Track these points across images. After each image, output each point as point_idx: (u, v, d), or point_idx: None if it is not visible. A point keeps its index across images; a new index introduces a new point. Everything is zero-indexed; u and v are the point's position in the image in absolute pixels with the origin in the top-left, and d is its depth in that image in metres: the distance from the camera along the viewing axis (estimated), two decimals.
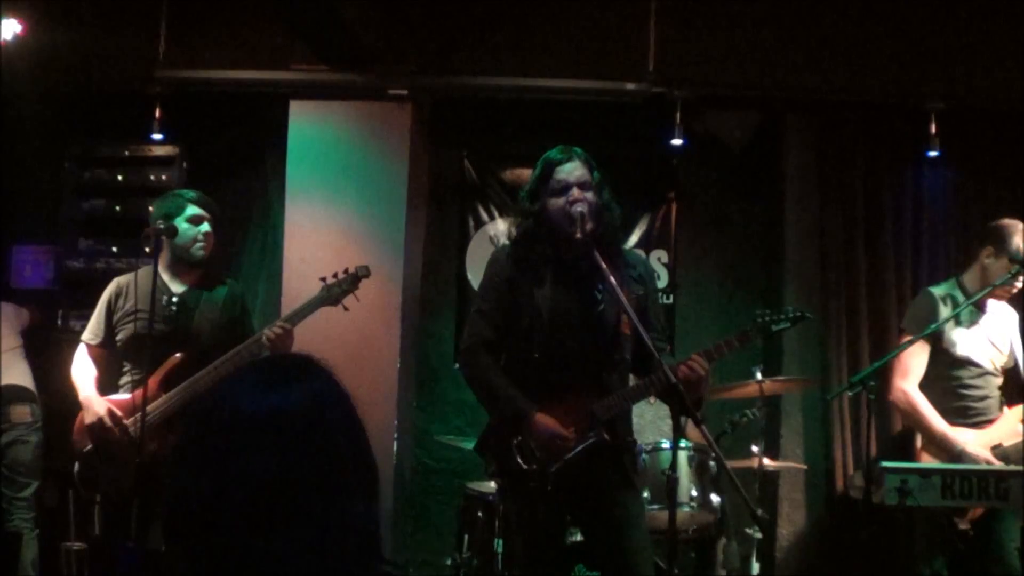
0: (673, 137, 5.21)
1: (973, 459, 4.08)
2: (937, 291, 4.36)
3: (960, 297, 4.29)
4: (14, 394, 4.90)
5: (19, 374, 4.96)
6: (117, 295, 4.10)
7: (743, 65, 5.21)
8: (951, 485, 3.69)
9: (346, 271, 3.94)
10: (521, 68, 5.25)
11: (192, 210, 4.03)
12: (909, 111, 5.26)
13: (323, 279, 3.93)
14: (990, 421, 4.24)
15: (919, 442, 4.23)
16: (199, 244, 4.02)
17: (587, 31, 5.25)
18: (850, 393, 4.41)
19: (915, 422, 4.21)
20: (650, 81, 5.17)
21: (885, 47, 5.16)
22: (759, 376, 4.60)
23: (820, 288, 5.40)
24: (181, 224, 4.01)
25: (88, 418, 3.98)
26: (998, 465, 4.07)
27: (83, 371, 4.10)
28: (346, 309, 3.93)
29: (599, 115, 5.46)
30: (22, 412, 4.88)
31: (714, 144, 5.71)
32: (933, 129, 5.14)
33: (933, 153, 5.18)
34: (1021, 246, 4.18)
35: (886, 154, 5.47)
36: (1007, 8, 5.04)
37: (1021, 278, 4.20)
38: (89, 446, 3.99)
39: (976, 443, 4.14)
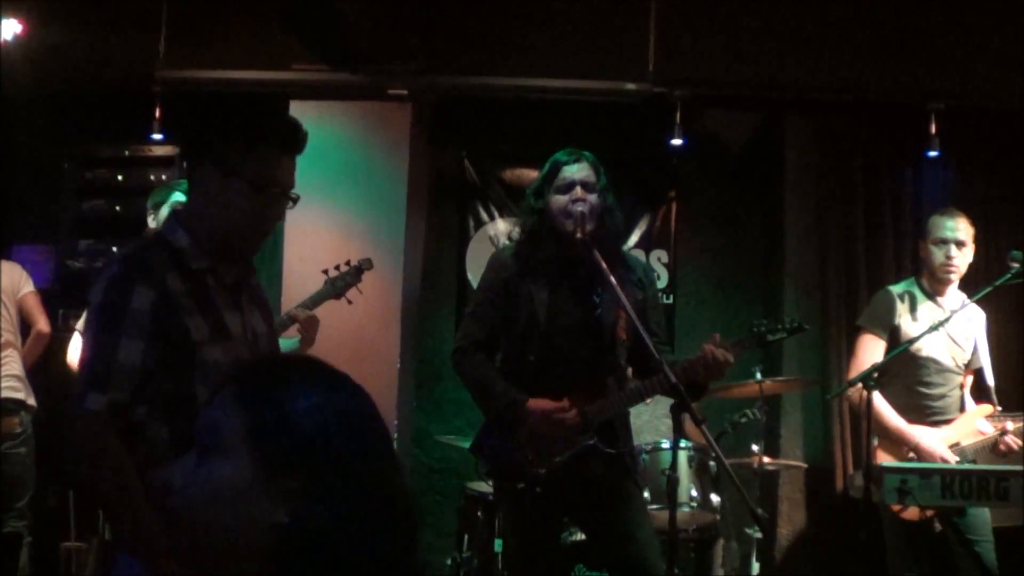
0: (673, 137, 5.20)
1: (928, 455, 4.10)
2: (895, 289, 4.44)
3: (918, 293, 4.36)
4: (3, 407, 4.82)
5: (6, 385, 4.85)
6: None
7: (743, 65, 5.21)
8: (951, 485, 3.70)
9: (348, 263, 3.96)
10: (521, 68, 5.25)
11: (178, 198, 4.05)
12: (909, 111, 5.26)
13: (325, 271, 3.95)
14: (948, 420, 4.25)
15: (875, 440, 4.24)
16: None
17: (587, 31, 5.24)
18: (848, 394, 4.41)
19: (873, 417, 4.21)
20: (650, 81, 5.17)
21: (885, 47, 5.16)
22: (759, 376, 4.60)
23: (820, 288, 5.40)
24: (165, 211, 4.02)
25: None
26: (953, 462, 4.08)
27: None
28: (349, 302, 3.95)
29: (599, 115, 5.46)
30: (10, 423, 4.81)
31: (714, 144, 5.71)
32: (933, 129, 5.13)
33: (933, 153, 5.18)
34: (936, 219, 4.30)
35: (886, 154, 5.46)
36: (1007, 8, 5.03)
37: (953, 249, 4.24)
38: None
39: (933, 440, 4.15)
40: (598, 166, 3.36)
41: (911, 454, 4.16)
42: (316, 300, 3.92)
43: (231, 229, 2.26)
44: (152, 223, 4.08)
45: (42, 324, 5.02)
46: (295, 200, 2.34)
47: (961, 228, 4.28)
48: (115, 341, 2.12)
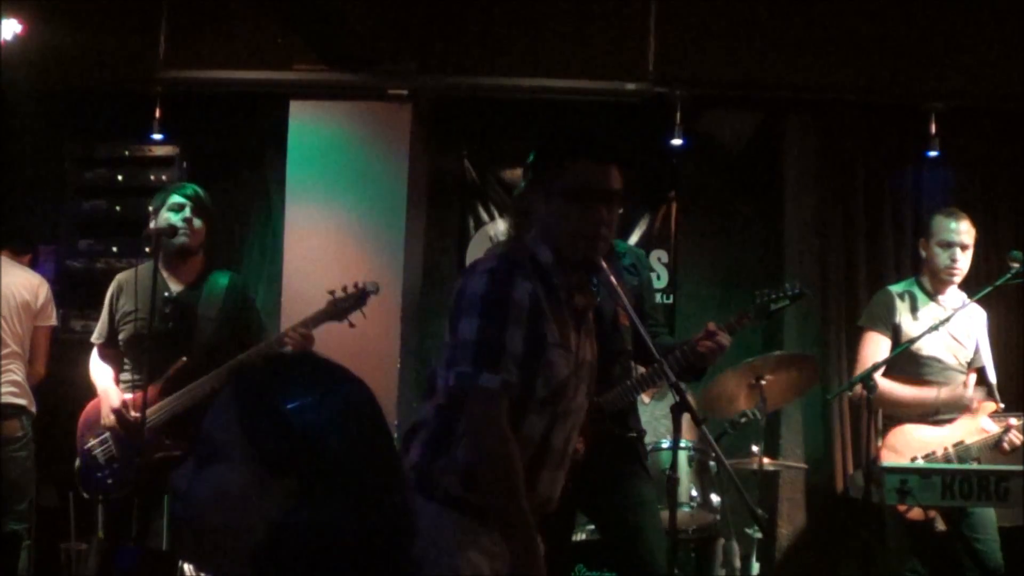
0: (673, 137, 5.20)
1: (957, 400, 4.13)
2: (895, 288, 4.45)
3: (918, 292, 4.37)
4: (4, 411, 4.81)
5: (7, 391, 4.85)
6: (117, 294, 4.10)
7: (743, 65, 5.21)
8: (951, 485, 3.69)
9: (356, 285, 3.88)
10: (521, 68, 5.25)
11: (175, 199, 4.04)
12: (909, 111, 5.26)
13: (331, 292, 3.87)
14: (951, 419, 4.24)
15: (880, 441, 4.24)
16: (179, 230, 4.00)
17: (587, 31, 5.24)
18: (850, 393, 4.41)
19: (887, 403, 4.20)
20: (650, 81, 5.17)
21: (885, 47, 5.16)
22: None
23: (820, 288, 5.40)
24: (164, 213, 4.02)
25: (103, 408, 3.95)
26: (975, 402, 4.14)
27: (100, 369, 4.10)
28: (352, 326, 3.89)
29: (599, 115, 5.45)
30: (11, 427, 4.80)
31: (714, 144, 5.70)
32: (933, 129, 5.14)
33: (933, 153, 5.18)
34: (941, 222, 4.30)
35: (886, 154, 5.46)
36: (1007, 8, 5.03)
37: (958, 252, 4.25)
38: (92, 442, 3.98)
39: (938, 440, 4.15)
40: None
41: (916, 454, 4.15)
42: (316, 320, 3.87)
43: (561, 242, 2.46)
44: (152, 224, 4.09)
45: (40, 365, 4.96)
46: (617, 202, 2.50)
47: (965, 230, 4.29)
48: (502, 327, 2.33)
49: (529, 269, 2.42)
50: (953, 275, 4.29)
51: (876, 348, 4.28)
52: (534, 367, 2.38)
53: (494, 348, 2.32)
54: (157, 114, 5.29)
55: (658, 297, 5.58)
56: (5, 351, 4.79)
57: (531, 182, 2.53)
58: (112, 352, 4.12)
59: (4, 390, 4.77)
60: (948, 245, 4.27)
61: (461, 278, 2.49)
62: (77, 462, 4.02)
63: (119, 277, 4.16)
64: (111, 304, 4.10)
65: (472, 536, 2.38)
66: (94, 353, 4.17)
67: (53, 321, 5.02)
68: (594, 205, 2.43)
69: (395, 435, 5.69)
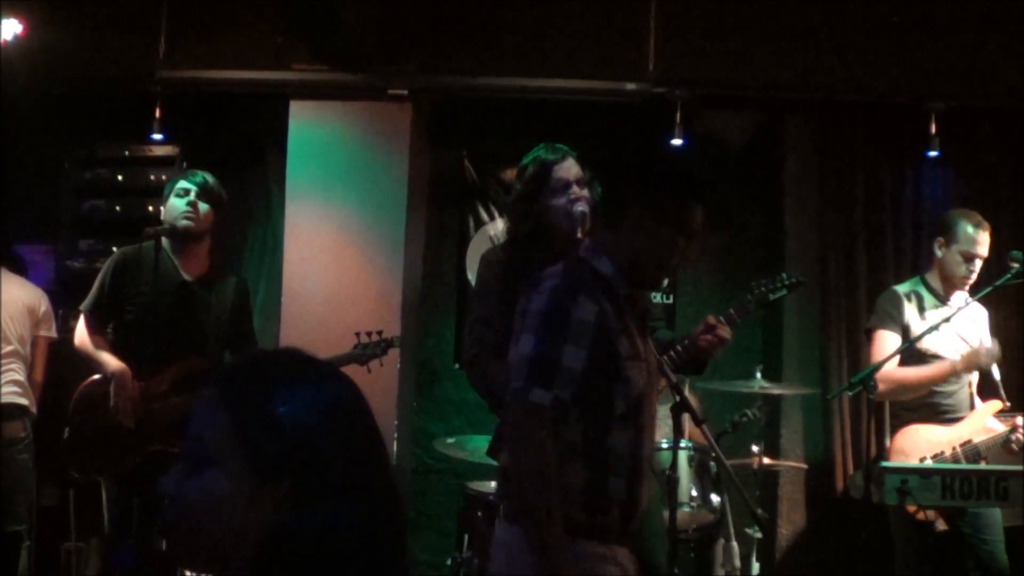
0: (673, 137, 5.21)
1: (974, 361, 4.14)
2: (901, 288, 4.43)
3: (925, 293, 4.35)
4: (6, 412, 4.81)
5: (10, 391, 4.86)
6: (123, 269, 4.04)
7: (743, 65, 5.21)
8: (951, 485, 3.69)
9: (380, 334, 4.04)
10: (521, 68, 5.25)
11: (181, 184, 4.06)
12: (909, 111, 5.26)
13: (357, 334, 4.03)
14: (959, 419, 4.24)
15: (888, 443, 4.24)
16: (182, 213, 4.00)
17: (587, 31, 5.24)
18: (850, 393, 4.41)
19: (908, 387, 4.20)
20: (650, 81, 5.17)
21: (885, 47, 5.16)
22: (759, 377, 4.60)
23: (820, 288, 5.40)
24: (171, 199, 4.04)
25: (116, 392, 3.90)
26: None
27: (97, 343, 4.04)
28: (369, 371, 4.01)
29: (599, 115, 5.45)
30: (15, 428, 4.78)
31: (714, 144, 5.71)
32: (933, 129, 5.13)
33: (933, 153, 5.18)
34: (968, 231, 4.26)
35: (886, 154, 5.46)
36: (1007, 8, 5.03)
37: (978, 263, 4.25)
38: (87, 421, 3.94)
39: (946, 440, 4.15)
40: (580, 158, 3.38)
41: (924, 454, 4.14)
42: (341, 362, 3.92)
43: (652, 267, 2.54)
44: (162, 212, 4.11)
45: (38, 373, 4.95)
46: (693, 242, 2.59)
47: (986, 241, 4.28)
48: (559, 345, 2.37)
49: (592, 284, 2.46)
50: (968, 284, 4.30)
51: (887, 346, 4.25)
52: (609, 383, 2.42)
53: (548, 365, 2.36)
54: (157, 114, 5.28)
55: (658, 296, 5.59)
56: (7, 349, 4.79)
57: (642, 202, 2.52)
58: (101, 326, 4.09)
59: (6, 390, 4.76)
60: (971, 257, 4.26)
61: (525, 295, 2.53)
62: (66, 433, 3.98)
63: (124, 251, 4.11)
64: (113, 278, 4.04)
65: (603, 562, 2.42)
66: (82, 324, 4.11)
67: (53, 333, 5.01)
68: (689, 245, 2.53)
69: (394, 435, 5.69)
